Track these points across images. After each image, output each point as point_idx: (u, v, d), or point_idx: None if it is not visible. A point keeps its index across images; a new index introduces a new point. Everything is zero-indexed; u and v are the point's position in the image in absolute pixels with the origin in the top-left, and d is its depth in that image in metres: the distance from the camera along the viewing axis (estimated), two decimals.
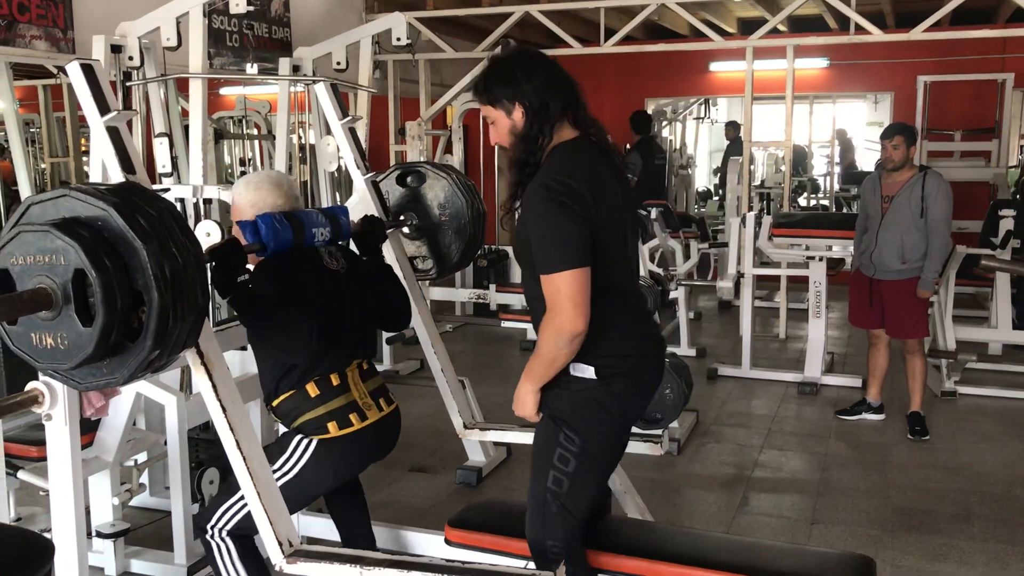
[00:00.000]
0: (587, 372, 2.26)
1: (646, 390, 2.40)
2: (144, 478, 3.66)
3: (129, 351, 1.83)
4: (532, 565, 2.35)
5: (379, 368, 6.05)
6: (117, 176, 2.38)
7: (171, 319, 1.80)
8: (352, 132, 3.61)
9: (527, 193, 2.25)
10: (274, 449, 2.62)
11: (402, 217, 3.53)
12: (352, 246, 2.93)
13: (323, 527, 3.35)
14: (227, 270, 2.38)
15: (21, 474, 3.07)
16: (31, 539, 1.50)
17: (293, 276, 2.56)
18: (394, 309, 2.92)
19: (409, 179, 3.56)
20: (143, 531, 3.54)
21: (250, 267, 2.50)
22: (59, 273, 1.75)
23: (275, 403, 2.64)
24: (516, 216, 2.34)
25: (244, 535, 2.58)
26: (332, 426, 2.58)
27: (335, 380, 2.62)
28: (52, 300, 1.76)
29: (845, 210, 10.37)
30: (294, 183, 2.74)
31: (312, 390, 2.59)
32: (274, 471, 2.52)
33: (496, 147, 2.48)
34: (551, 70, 2.31)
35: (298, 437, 2.59)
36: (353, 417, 2.61)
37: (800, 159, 10.73)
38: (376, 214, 3.29)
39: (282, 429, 2.72)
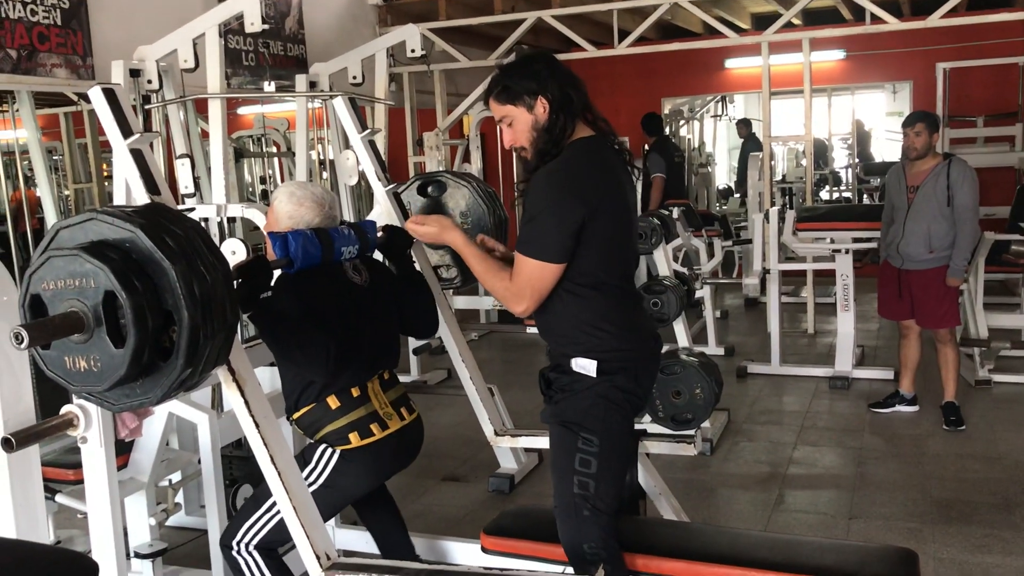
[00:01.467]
0: (589, 368, 2.29)
1: (647, 381, 2.43)
2: (179, 497, 3.68)
3: (161, 371, 1.83)
4: (570, 570, 2.34)
5: (407, 378, 6.12)
6: (142, 198, 2.40)
7: (202, 337, 1.80)
8: (372, 145, 3.62)
9: (538, 175, 2.30)
10: (298, 461, 2.62)
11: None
12: (378, 256, 2.94)
13: (358, 540, 3.35)
14: (252, 287, 2.39)
15: (59, 497, 3.09)
16: (76, 559, 1.51)
17: (314, 293, 2.57)
18: (422, 317, 2.93)
19: (430, 189, 3.57)
20: (180, 550, 3.57)
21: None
22: (89, 296, 1.76)
23: (296, 416, 2.66)
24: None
25: (269, 548, 2.60)
26: (353, 437, 2.60)
27: (355, 392, 2.63)
28: (84, 323, 1.77)
29: (867, 201, 10.28)
30: (335, 201, 2.74)
31: (332, 402, 2.60)
32: None
33: (514, 153, 2.49)
34: (564, 69, 2.36)
35: (321, 447, 2.61)
36: (374, 427, 2.63)
37: (820, 152, 10.66)
38: (398, 225, 3.30)
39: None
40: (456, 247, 2.47)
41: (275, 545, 2.59)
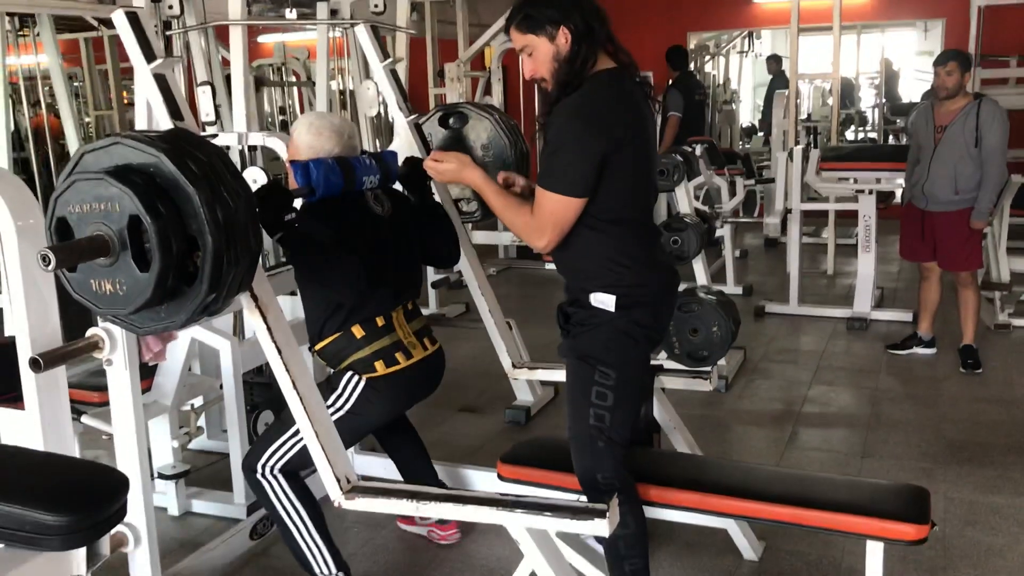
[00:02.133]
0: (608, 303, 2.30)
1: (665, 316, 2.44)
2: (201, 421, 3.75)
3: (186, 295, 1.85)
4: (584, 498, 2.38)
5: (425, 311, 6.15)
6: (165, 123, 2.40)
7: (225, 263, 1.82)
8: (393, 74, 3.59)
9: (559, 108, 2.27)
10: (324, 388, 2.67)
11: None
12: (399, 187, 2.94)
13: (379, 466, 3.42)
14: (274, 209, 2.39)
15: (84, 419, 3.16)
16: (109, 472, 1.56)
17: (339, 217, 2.59)
18: (443, 247, 2.95)
19: (452, 120, 3.54)
20: (202, 472, 3.65)
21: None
22: (115, 220, 1.76)
23: (320, 346, 2.69)
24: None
25: (293, 471, 2.65)
26: (379, 365, 2.64)
27: (380, 322, 2.65)
28: (109, 247, 1.78)
29: (892, 142, 10.13)
30: (355, 131, 2.75)
31: (357, 332, 2.63)
32: (327, 405, 2.58)
33: (535, 86, 2.45)
34: None
35: (348, 374, 2.65)
36: (399, 356, 2.66)
37: (847, 91, 10.47)
38: (420, 156, 3.29)
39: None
40: (475, 185, 2.47)
41: (298, 469, 2.65)
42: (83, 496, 1.41)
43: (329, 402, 2.61)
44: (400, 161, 2.93)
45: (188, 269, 1.83)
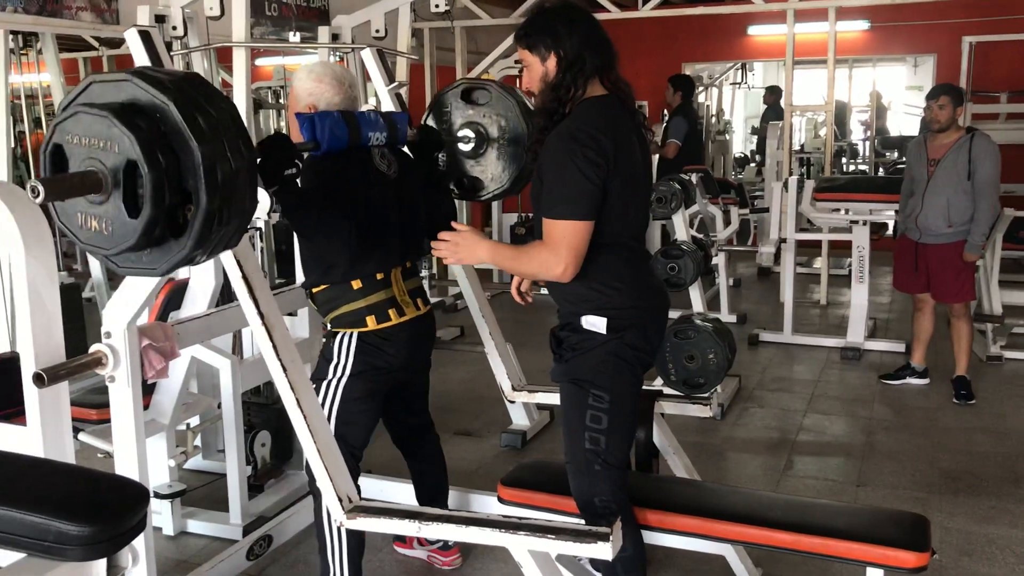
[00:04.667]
0: (599, 325, 2.32)
1: (656, 337, 2.45)
2: (198, 441, 3.74)
3: (171, 247, 1.80)
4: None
5: None
6: None
7: (215, 222, 1.76)
8: (399, 98, 3.62)
9: (551, 137, 2.29)
10: (320, 363, 2.66)
11: (460, 134, 3.27)
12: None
13: (375, 488, 3.41)
14: (275, 163, 2.34)
15: (82, 436, 3.14)
16: (130, 484, 1.55)
17: (341, 175, 2.54)
18: (439, 221, 2.83)
19: (475, 94, 3.38)
20: (198, 492, 3.62)
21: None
22: (111, 160, 1.70)
23: (316, 290, 2.66)
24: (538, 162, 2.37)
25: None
26: (371, 320, 2.63)
27: (379, 276, 2.65)
28: (102, 185, 1.72)
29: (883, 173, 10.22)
30: (356, 81, 2.69)
31: (355, 283, 2.63)
32: (329, 381, 2.61)
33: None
34: (593, 28, 2.35)
35: (339, 336, 2.63)
36: (392, 312, 2.65)
37: (841, 118, 10.59)
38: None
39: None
40: (489, 258, 2.40)
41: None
42: (105, 507, 1.40)
43: (330, 371, 2.61)
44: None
45: (178, 220, 1.77)
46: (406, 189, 2.74)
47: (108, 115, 1.68)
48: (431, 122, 3.14)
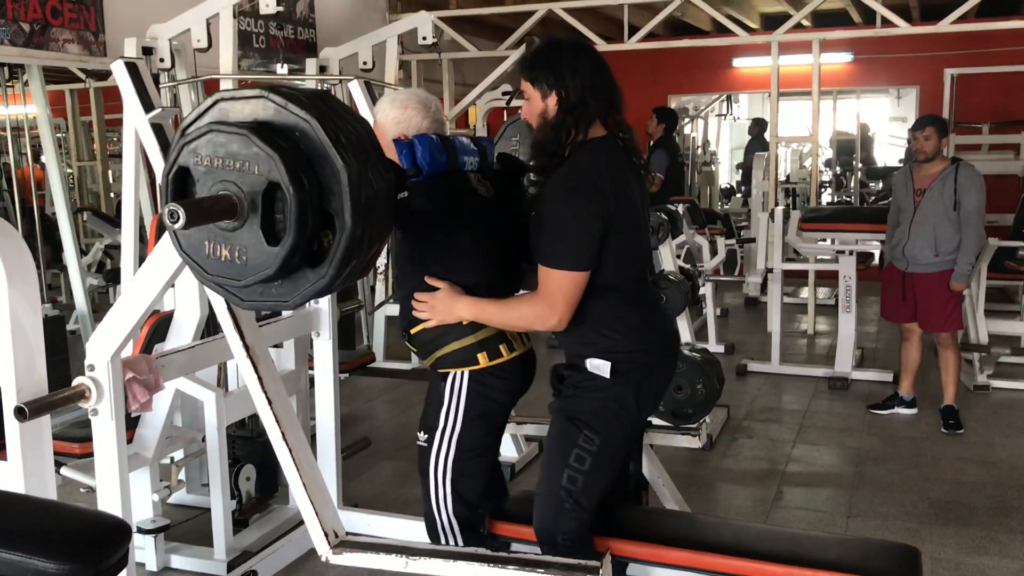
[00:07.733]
0: (603, 369, 2.28)
1: (662, 383, 2.41)
2: (182, 475, 3.69)
3: (306, 276, 1.66)
4: None
5: (406, 366, 6.12)
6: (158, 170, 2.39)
7: (357, 248, 1.62)
8: None
9: (551, 183, 2.26)
10: (431, 405, 2.45)
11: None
12: None
13: (362, 522, 3.37)
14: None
15: (64, 471, 3.10)
16: (113, 521, 1.51)
17: (451, 194, 2.40)
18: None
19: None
20: (182, 527, 3.57)
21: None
22: (248, 183, 1.57)
23: (416, 330, 2.43)
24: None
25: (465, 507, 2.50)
26: (482, 357, 2.38)
27: None
28: (236, 210, 1.58)
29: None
30: (439, 105, 2.55)
31: None
32: (443, 428, 2.41)
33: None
34: (599, 70, 2.30)
35: (450, 376, 2.41)
36: (503, 348, 2.41)
37: (865, 143, 10.79)
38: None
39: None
40: (471, 316, 2.33)
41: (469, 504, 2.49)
42: (86, 544, 1.37)
43: (443, 416, 2.40)
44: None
45: (312, 248, 1.64)
46: (505, 212, 2.54)
47: (248, 134, 1.55)
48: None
